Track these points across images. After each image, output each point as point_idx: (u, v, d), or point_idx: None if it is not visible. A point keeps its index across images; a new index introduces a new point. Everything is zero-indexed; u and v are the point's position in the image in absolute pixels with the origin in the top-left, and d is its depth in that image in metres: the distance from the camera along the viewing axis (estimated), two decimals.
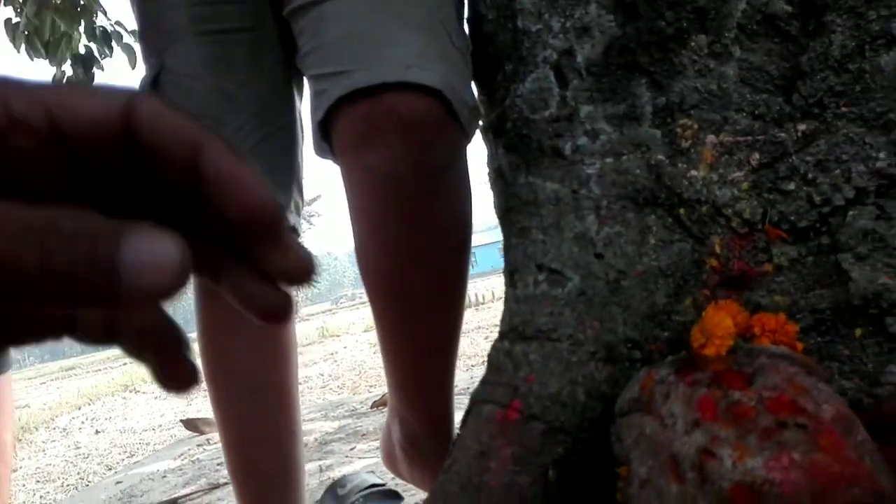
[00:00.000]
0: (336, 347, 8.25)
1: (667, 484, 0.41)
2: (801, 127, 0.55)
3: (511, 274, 0.64)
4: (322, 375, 5.82)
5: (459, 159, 0.66)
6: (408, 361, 0.72)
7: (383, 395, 2.80)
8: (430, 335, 0.70)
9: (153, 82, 0.76)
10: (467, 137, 0.65)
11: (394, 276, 0.66)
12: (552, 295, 0.59)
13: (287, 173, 0.81)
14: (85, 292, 0.18)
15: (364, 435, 2.18)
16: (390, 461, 0.85)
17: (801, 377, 0.43)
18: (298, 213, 0.85)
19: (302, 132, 0.84)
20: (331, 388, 4.95)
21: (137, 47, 4.10)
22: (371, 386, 4.50)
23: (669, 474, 0.41)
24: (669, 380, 0.45)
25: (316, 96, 0.63)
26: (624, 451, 0.47)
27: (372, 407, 2.69)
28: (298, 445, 0.86)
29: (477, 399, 0.61)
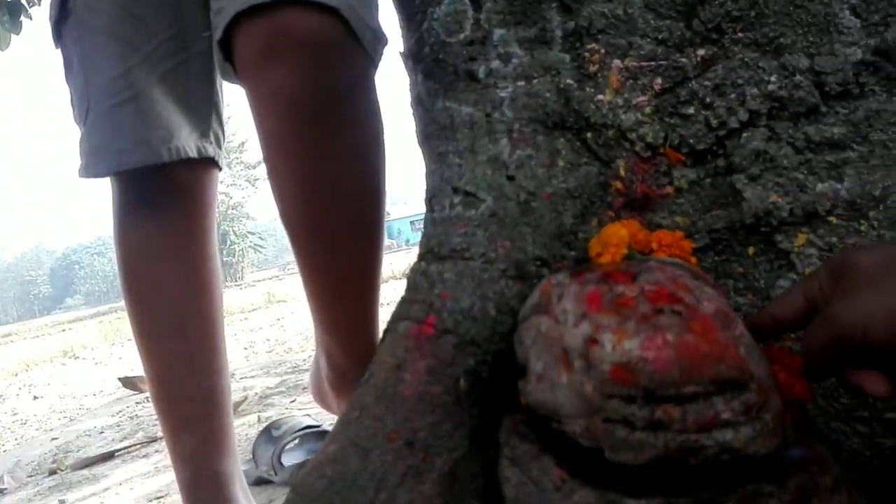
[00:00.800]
0: (283, 313, 8.18)
1: (558, 375, 0.44)
2: (701, 52, 0.58)
3: (430, 199, 0.66)
4: (269, 340, 5.77)
5: (365, 83, 0.66)
6: (329, 294, 0.73)
7: None
8: (349, 266, 0.71)
9: (62, 4, 0.74)
10: (372, 62, 0.66)
11: (307, 203, 0.66)
12: (466, 216, 0.61)
13: (204, 102, 0.80)
14: None
15: (304, 388, 2.20)
16: (319, 395, 0.87)
17: (686, 278, 0.46)
18: (219, 144, 0.84)
19: None
20: (276, 353, 4.93)
21: None
22: (310, 353, 4.49)
23: (561, 365, 0.44)
24: (564, 282, 0.47)
25: (216, 14, 0.63)
26: (524, 353, 0.50)
27: None
28: (225, 378, 0.87)
29: (394, 317, 0.63)
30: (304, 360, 2.96)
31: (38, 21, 4.13)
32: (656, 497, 0.38)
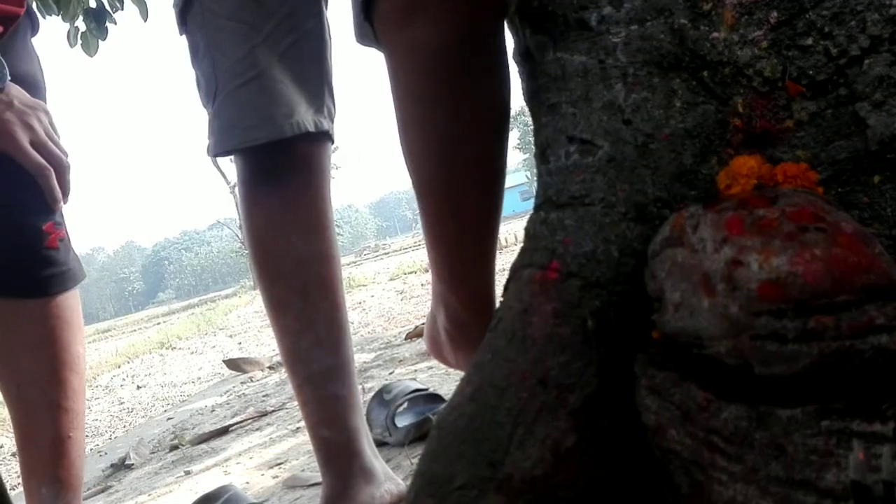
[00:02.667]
0: (363, 297, 8.36)
1: (699, 300, 0.45)
2: None
3: (543, 151, 0.68)
4: (353, 323, 5.93)
5: (499, 36, 0.69)
6: (451, 244, 0.76)
7: (416, 328, 2.87)
8: (472, 216, 0.74)
9: None
10: (504, 13, 0.68)
11: (439, 155, 0.69)
12: (583, 163, 0.63)
13: (318, 77, 0.84)
14: None
15: (401, 361, 2.26)
16: (436, 349, 0.90)
17: (820, 202, 0.47)
18: (332, 118, 0.88)
19: (330, 36, 0.87)
20: (361, 335, 5.07)
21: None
22: (401, 329, 4.59)
23: (701, 291, 0.45)
24: (698, 213, 0.49)
25: None
26: (657, 286, 0.51)
27: (406, 338, 2.76)
28: (348, 341, 0.91)
29: (516, 266, 0.66)
30: (395, 336, 3.03)
31: (122, 26, 4.31)
32: (809, 405, 0.39)
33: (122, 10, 4.15)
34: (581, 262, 0.60)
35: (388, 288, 8.38)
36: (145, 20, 4.20)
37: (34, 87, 0.84)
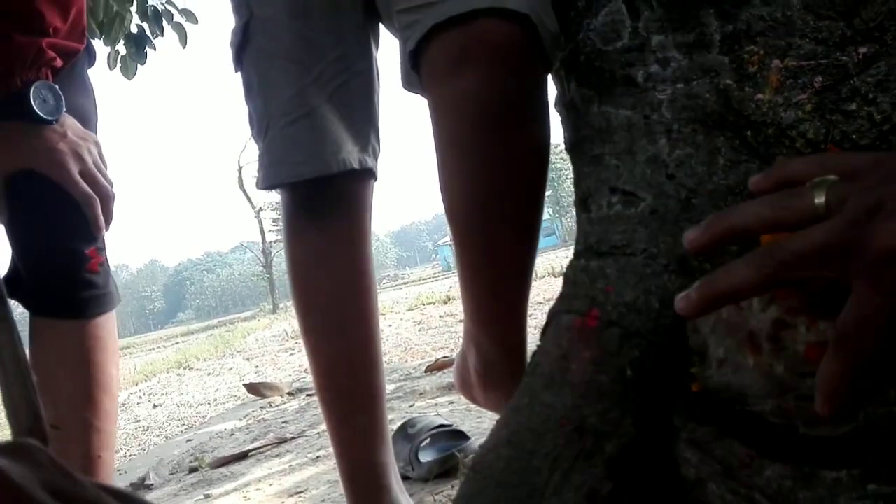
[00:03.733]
0: (381, 326, 8.36)
1: (744, 358, 0.46)
2: (862, 50, 0.59)
3: (584, 200, 0.69)
4: None
5: (542, 88, 0.71)
6: (486, 287, 0.78)
7: (436, 361, 2.87)
8: (508, 261, 0.75)
9: (244, 29, 0.83)
10: (549, 67, 0.70)
11: (479, 202, 0.71)
12: (626, 214, 0.64)
13: (365, 119, 0.87)
14: None
15: (421, 394, 2.26)
16: (465, 388, 0.91)
17: None
18: (375, 157, 0.91)
19: (378, 79, 0.89)
20: (384, 363, 5.06)
21: (188, 26, 4.17)
22: (420, 361, 4.59)
23: (746, 349, 0.46)
24: None
25: (407, 27, 0.68)
26: (700, 340, 0.52)
27: (426, 371, 2.76)
28: (380, 375, 0.93)
29: (555, 311, 0.67)
30: (414, 368, 3.03)
31: (161, 52, 4.41)
32: (855, 468, 0.40)
33: (162, 36, 4.26)
34: (621, 312, 0.62)
35: (406, 318, 8.39)
36: (184, 47, 4.31)
37: (87, 119, 0.88)
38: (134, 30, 4.02)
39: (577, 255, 0.68)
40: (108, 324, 0.93)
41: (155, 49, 4.22)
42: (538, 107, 0.72)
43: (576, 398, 0.61)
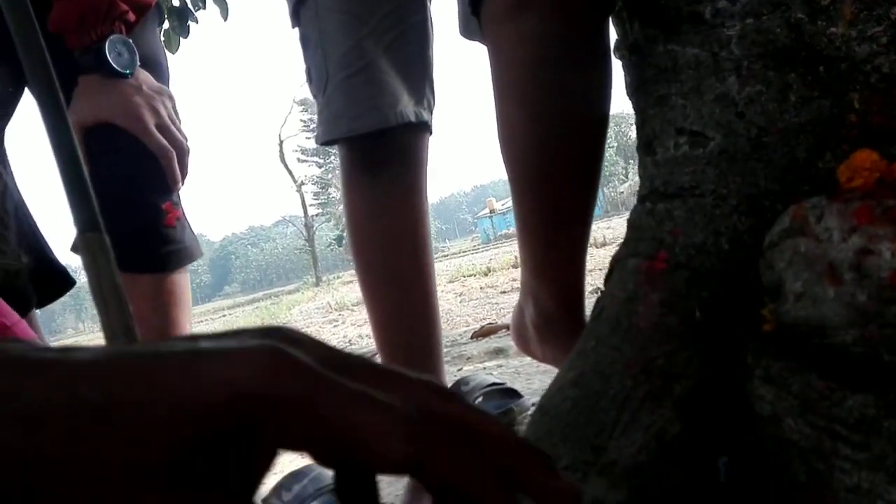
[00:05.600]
0: None
1: (824, 290, 0.45)
2: None
3: (649, 142, 0.68)
4: None
5: (603, 30, 0.70)
6: (545, 237, 0.77)
7: (482, 327, 2.88)
8: (569, 210, 0.75)
9: None
10: (611, 7, 0.69)
11: (541, 148, 0.71)
12: (694, 155, 0.63)
13: (421, 71, 0.87)
14: None
15: (469, 358, 2.27)
16: (522, 341, 0.91)
17: None
18: (431, 111, 0.91)
19: (433, 31, 0.89)
20: None
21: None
22: (464, 329, 4.61)
23: (826, 280, 0.45)
24: (822, 204, 0.49)
25: None
26: (775, 277, 0.52)
27: (472, 337, 2.77)
28: (438, 328, 0.94)
29: (620, 256, 0.66)
30: (461, 334, 3.05)
31: (203, 24, 4.44)
32: None
33: (204, 8, 4.30)
34: (690, 253, 0.61)
35: (447, 290, 8.42)
36: (225, 19, 4.34)
37: (160, 72, 0.89)
38: (176, 3, 4.06)
39: (641, 199, 0.67)
40: (183, 280, 0.95)
41: (197, 22, 4.26)
42: (600, 52, 0.71)
43: (643, 340, 0.60)
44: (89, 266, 0.45)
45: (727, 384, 0.57)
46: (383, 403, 0.22)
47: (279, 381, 0.21)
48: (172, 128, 0.86)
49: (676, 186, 0.63)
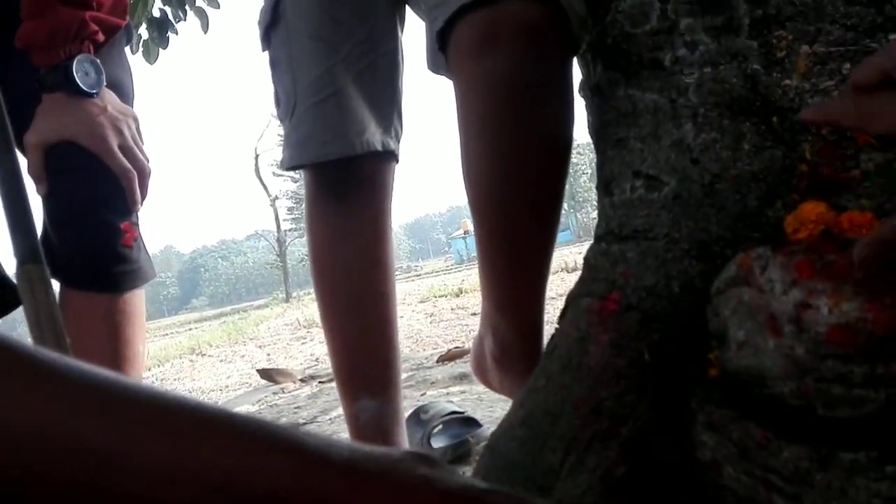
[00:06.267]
0: None
1: (764, 340, 0.46)
2: (892, 37, 0.59)
3: (607, 184, 0.69)
4: None
5: (567, 69, 0.71)
6: (506, 270, 0.78)
7: (448, 351, 2.88)
8: (528, 241, 0.75)
9: (274, 8, 0.83)
10: (575, 49, 0.70)
11: (501, 180, 0.71)
12: (649, 199, 0.64)
13: (390, 100, 0.87)
14: None
15: (433, 383, 2.27)
16: (481, 371, 0.91)
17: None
18: (398, 139, 0.91)
19: (403, 61, 0.90)
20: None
21: (210, 11, 4.18)
22: (432, 351, 4.59)
23: (767, 331, 0.46)
24: (767, 255, 0.49)
25: (435, 7, 0.69)
26: (720, 324, 0.52)
27: (438, 361, 2.77)
28: (397, 355, 0.93)
29: (574, 295, 0.67)
30: (426, 358, 3.04)
31: (183, 36, 4.43)
32: (873, 449, 0.40)
33: (185, 20, 4.28)
34: (641, 296, 0.62)
35: (417, 310, 8.40)
36: (206, 32, 4.32)
37: (125, 93, 0.89)
38: (156, 13, 4.04)
39: (597, 238, 0.68)
40: (138, 299, 0.94)
41: (177, 33, 4.24)
42: (563, 90, 0.72)
43: (592, 381, 0.61)
44: (27, 298, 0.44)
45: (673, 428, 0.58)
46: None
47: None
48: (135, 149, 0.85)
49: (631, 229, 0.64)
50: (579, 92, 0.75)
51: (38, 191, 0.84)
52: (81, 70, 0.80)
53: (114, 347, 0.89)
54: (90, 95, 0.82)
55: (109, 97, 0.84)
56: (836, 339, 0.41)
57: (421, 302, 9.14)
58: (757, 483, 0.46)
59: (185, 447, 0.27)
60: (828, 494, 0.41)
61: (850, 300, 0.41)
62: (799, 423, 0.44)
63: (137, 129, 0.87)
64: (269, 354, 6.35)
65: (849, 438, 0.42)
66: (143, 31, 4.14)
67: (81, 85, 0.80)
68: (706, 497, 0.52)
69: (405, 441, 0.95)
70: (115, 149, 0.83)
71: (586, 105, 0.74)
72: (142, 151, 0.87)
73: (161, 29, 4.20)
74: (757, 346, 0.47)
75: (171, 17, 4.18)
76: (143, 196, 0.87)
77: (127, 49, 0.99)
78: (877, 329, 0.40)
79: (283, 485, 0.27)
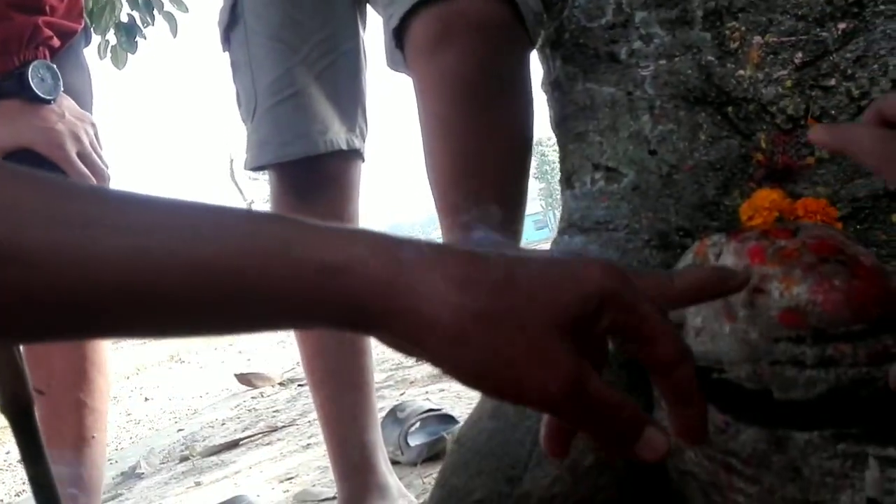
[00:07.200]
0: None
1: (720, 326, 0.47)
2: (842, 26, 0.60)
3: (568, 177, 0.70)
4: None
5: (524, 65, 0.71)
6: None
7: None
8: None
9: (232, 8, 0.83)
10: (531, 44, 0.70)
11: (462, 178, 0.71)
12: (608, 190, 0.65)
13: (352, 97, 0.87)
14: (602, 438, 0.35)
15: (412, 382, 2.27)
16: None
17: (840, 236, 0.49)
18: (363, 138, 0.91)
19: (365, 59, 0.90)
20: (376, 353, 5.06)
21: (178, 15, 4.14)
22: None
23: (723, 317, 0.47)
24: (721, 242, 0.50)
25: (390, 5, 0.69)
26: (679, 312, 0.53)
27: (416, 361, 2.77)
28: (369, 355, 0.94)
29: None
30: (405, 358, 3.04)
31: (151, 41, 4.39)
32: (826, 429, 0.41)
33: (153, 25, 4.24)
34: None
35: None
36: (174, 36, 4.28)
37: (83, 99, 0.88)
38: (124, 18, 3.99)
39: (560, 231, 0.69)
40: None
41: (145, 38, 4.20)
42: (520, 85, 0.72)
43: None
44: None
45: None
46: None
47: (616, 282, 0.33)
48: (94, 156, 0.84)
49: (592, 220, 0.65)
50: (541, 87, 0.76)
51: None
52: (37, 76, 0.79)
53: (81, 352, 0.88)
54: (47, 102, 0.81)
55: (67, 103, 0.83)
56: (787, 321, 0.42)
57: None
58: (717, 467, 0.47)
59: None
60: (784, 475, 0.42)
61: (800, 283, 0.42)
62: (756, 406, 0.45)
63: (96, 134, 0.86)
64: (248, 359, 6.31)
65: (803, 419, 0.43)
66: (111, 36, 4.09)
67: (37, 91, 0.79)
68: (670, 483, 0.53)
69: (380, 438, 0.95)
70: (73, 156, 0.82)
71: (547, 100, 0.74)
72: (101, 158, 0.86)
73: (129, 34, 4.15)
74: (714, 331, 0.47)
75: (139, 22, 4.13)
76: None
77: (95, 54, 0.99)
78: (826, 310, 0.41)
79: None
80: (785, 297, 0.42)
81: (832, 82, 0.60)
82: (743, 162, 0.62)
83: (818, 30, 0.60)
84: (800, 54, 0.61)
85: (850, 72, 0.59)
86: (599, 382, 0.33)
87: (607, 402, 0.33)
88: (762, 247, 0.46)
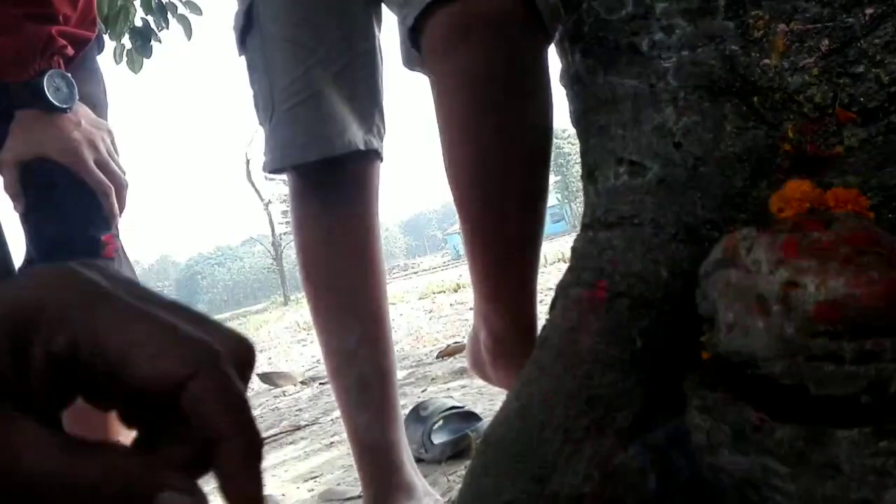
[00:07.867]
0: (393, 315, 8.33)
1: (753, 321, 0.46)
2: (869, 11, 0.58)
3: (591, 172, 0.69)
4: None
5: (543, 58, 0.70)
6: (495, 264, 0.77)
7: (448, 347, 2.88)
8: (515, 235, 0.75)
9: (247, 12, 0.83)
10: (548, 38, 0.69)
11: (483, 175, 0.71)
12: (633, 185, 0.64)
13: (369, 99, 0.87)
14: None
15: (433, 379, 2.27)
16: (477, 366, 0.91)
17: (873, 228, 0.48)
18: (381, 138, 0.91)
19: (382, 59, 0.89)
20: (396, 350, 5.05)
21: (192, 18, 4.17)
22: (431, 348, 4.59)
23: (755, 312, 0.46)
24: (752, 235, 0.49)
25: (405, 4, 0.68)
26: (709, 306, 0.52)
27: (438, 357, 2.77)
28: (391, 353, 0.93)
29: (563, 285, 0.67)
30: (426, 354, 3.04)
31: (166, 45, 4.42)
32: (866, 425, 0.40)
33: (167, 28, 4.26)
34: (630, 282, 0.61)
35: (416, 307, 8.39)
36: (189, 39, 4.30)
37: (99, 107, 0.88)
38: (139, 23, 4.01)
39: (584, 227, 0.68)
40: None
41: (160, 42, 4.22)
42: (539, 80, 0.72)
43: (585, 370, 0.61)
44: None
45: (668, 412, 0.58)
46: (168, 326, 0.23)
47: (54, 292, 0.22)
48: (111, 163, 0.84)
49: (617, 216, 0.64)
50: (559, 81, 0.75)
51: (15, 208, 0.83)
52: (52, 86, 0.80)
53: None
54: (63, 111, 0.81)
55: (83, 111, 0.84)
56: (824, 316, 0.41)
57: (420, 298, 9.12)
58: (754, 465, 0.46)
59: None
60: (823, 473, 0.41)
61: (837, 277, 0.41)
62: (792, 402, 0.44)
63: (112, 142, 0.86)
64: (270, 358, 6.34)
65: (842, 416, 0.42)
66: (126, 41, 4.11)
67: (53, 101, 0.80)
68: (703, 480, 0.52)
69: (404, 437, 0.95)
70: (91, 164, 0.82)
71: (567, 94, 0.73)
72: (118, 164, 0.86)
73: (144, 38, 4.18)
74: (746, 327, 0.47)
75: (153, 26, 4.15)
76: (122, 209, 0.87)
77: (111, 59, 0.99)
78: (865, 304, 0.40)
79: None
80: (821, 291, 0.41)
81: (860, 69, 0.59)
82: (770, 152, 0.61)
83: (845, 16, 0.59)
84: (826, 41, 0.59)
85: (879, 58, 0.58)
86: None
87: None
88: (795, 240, 0.45)
